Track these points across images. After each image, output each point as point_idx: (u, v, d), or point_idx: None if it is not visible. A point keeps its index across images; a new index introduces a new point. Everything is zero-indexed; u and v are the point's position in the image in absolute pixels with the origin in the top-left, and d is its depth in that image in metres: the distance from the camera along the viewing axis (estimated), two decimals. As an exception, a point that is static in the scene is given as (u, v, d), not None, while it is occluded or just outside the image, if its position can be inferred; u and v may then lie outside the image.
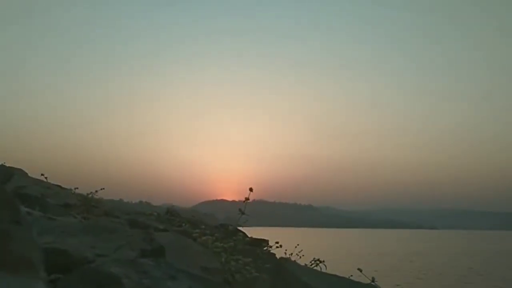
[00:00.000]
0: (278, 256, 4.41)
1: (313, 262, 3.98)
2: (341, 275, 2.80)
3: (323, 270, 3.63)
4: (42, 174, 5.49)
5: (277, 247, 4.61)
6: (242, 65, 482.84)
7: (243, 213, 3.53)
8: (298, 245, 4.65)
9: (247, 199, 3.43)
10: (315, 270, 3.39)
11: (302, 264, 3.70)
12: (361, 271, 2.79)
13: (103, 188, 5.97)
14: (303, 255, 4.37)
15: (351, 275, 2.91)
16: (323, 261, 3.98)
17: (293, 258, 4.28)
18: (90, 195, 5.86)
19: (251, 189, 3.38)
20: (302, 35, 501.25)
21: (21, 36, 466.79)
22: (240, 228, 5.14)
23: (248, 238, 5.21)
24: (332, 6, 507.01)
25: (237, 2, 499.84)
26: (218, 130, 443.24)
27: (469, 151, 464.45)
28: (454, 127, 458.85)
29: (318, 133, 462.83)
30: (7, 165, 5.55)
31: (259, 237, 5.46)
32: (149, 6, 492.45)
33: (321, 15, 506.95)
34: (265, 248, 4.98)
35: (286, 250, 4.53)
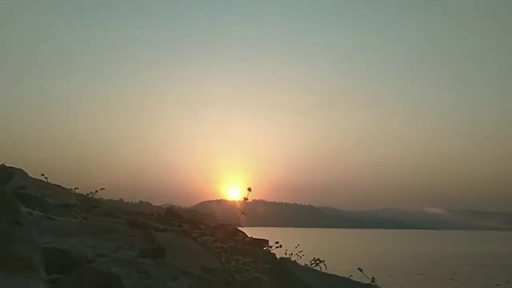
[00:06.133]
0: (278, 256, 4.41)
1: (313, 262, 3.98)
2: (341, 275, 2.80)
3: (323, 270, 3.63)
4: (42, 174, 5.49)
5: (277, 247, 4.61)
6: (242, 64, 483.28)
7: (242, 213, 3.55)
8: (298, 245, 4.65)
9: (245, 198, 3.44)
10: (315, 270, 3.39)
11: (302, 264, 3.70)
12: (361, 271, 2.80)
13: (103, 188, 5.99)
14: (303, 255, 4.37)
15: (351, 275, 2.91)
16: (323, 261, 3.98)
17: (293, 258, 4.28)
18: (90, 195, 5.87)
19: (249, 189, 3.40)
20: (307, 31, 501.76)
21: (20, 35, 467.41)
22: (240, 228, 5.14)
23: (248, 238, 5.21)
24: None
25: None
26: (219, 130, 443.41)
27: (471, 150, 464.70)
28: (455, 126, 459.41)
29: (318, 133, 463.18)
30: (7, 165, 5.56)
31: (259, 237, 5.46)
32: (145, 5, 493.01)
33: (323, 8, 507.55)
34: (265, 248, 4.98)
35: (286, 250, 4.53)
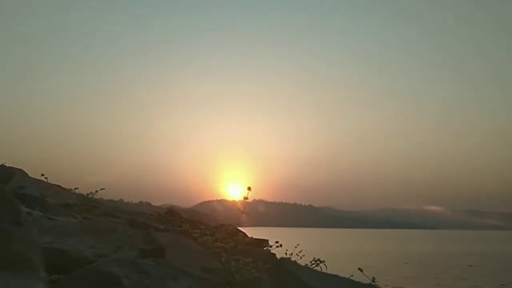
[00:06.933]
0: (278, 256, 4.41)
1: (313, 262, 3.98)
2: (341, 275, 2.79)
3: (323, 270, 3.63)
4: (42, 174, 5.48)
5: (277, 247, 4.60)
6: (243, 64, 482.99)
7: (242, 213, 3.54)
8: (298, 245, 4.65)
9: (245, 198, 3.43)
10: (316, 270, 3.39)
11: (303, 264, 3.70)
12: (361, 271, 2.79)
13: (103, 188, 5.98)
14: (303, 255, 4.37)
15: (352, 275, 2.91)
16: (323, 261, 3.97)
17: (293, 258, 4.27)
18: (90, 195, 5.86)
19: (249, 188, 3.39)
20: (309, 31, 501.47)
21: (22, 35, 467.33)
22: (240, 228, 5.15)
23: (248, 238, 5.22)
24: None
25: None
26: (219, 130, 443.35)
27: (472, 150, 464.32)
28: (455, 126, 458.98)
29: (319, 133, 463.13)
30: (7, 165, 5.55)
31: (259, 237, 5.46)
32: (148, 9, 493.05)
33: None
34: (265, 248, 4.98)
35: (286, 250, 4.53)
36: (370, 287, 2.70)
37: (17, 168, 5.56)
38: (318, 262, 3.97)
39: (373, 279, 2.74)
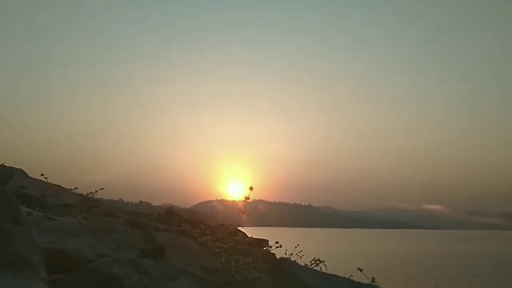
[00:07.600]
0: (278, 256, 4.41)
1: (313, 262, 3.98)
2: (341, 275, 2.80)
3: (323, 270, 3.63)
4: (42, 174, 5.48)
5: (277, 247, 4.60)
6: (243, 64, 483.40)
7: (243, 213, 3.54)
8: (298, 245, 4.65)
9: (247, 198, 3.43)
10: (315, 270, 3.39)
11: (302, 264, 3.70)
12: (361, 271, 2.80)
13: (103, 188, 5.98)
14: (303, 255, 4.37)
15: (351, 275, 2.91)
16: (323, 261, 3.98)
17: (293, 258, 4.27)
18: (90, 195, 5.86)
19: (251, 188, 3.39)
20: (309, 31, 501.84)
21: (22, 34, 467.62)
22: (240, 228, 5.14)
23: (248, 238, 5.21)
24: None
25: None
26: (219, 129, 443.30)
27: (473, 150, 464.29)
28: (454, 126, 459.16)
29: (319, 133, 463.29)
30: (7, 165, 5.55)
31: (259, 237, 5.46)
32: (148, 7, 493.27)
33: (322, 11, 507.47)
34: (265, 248, 4.98)
35: (286, 250, 4.53)
36: (370, 287, 2.70)
37: (17, 168, 5.57)
38: (317, 262, 3.97)
39: (373, 279, 2.74)
